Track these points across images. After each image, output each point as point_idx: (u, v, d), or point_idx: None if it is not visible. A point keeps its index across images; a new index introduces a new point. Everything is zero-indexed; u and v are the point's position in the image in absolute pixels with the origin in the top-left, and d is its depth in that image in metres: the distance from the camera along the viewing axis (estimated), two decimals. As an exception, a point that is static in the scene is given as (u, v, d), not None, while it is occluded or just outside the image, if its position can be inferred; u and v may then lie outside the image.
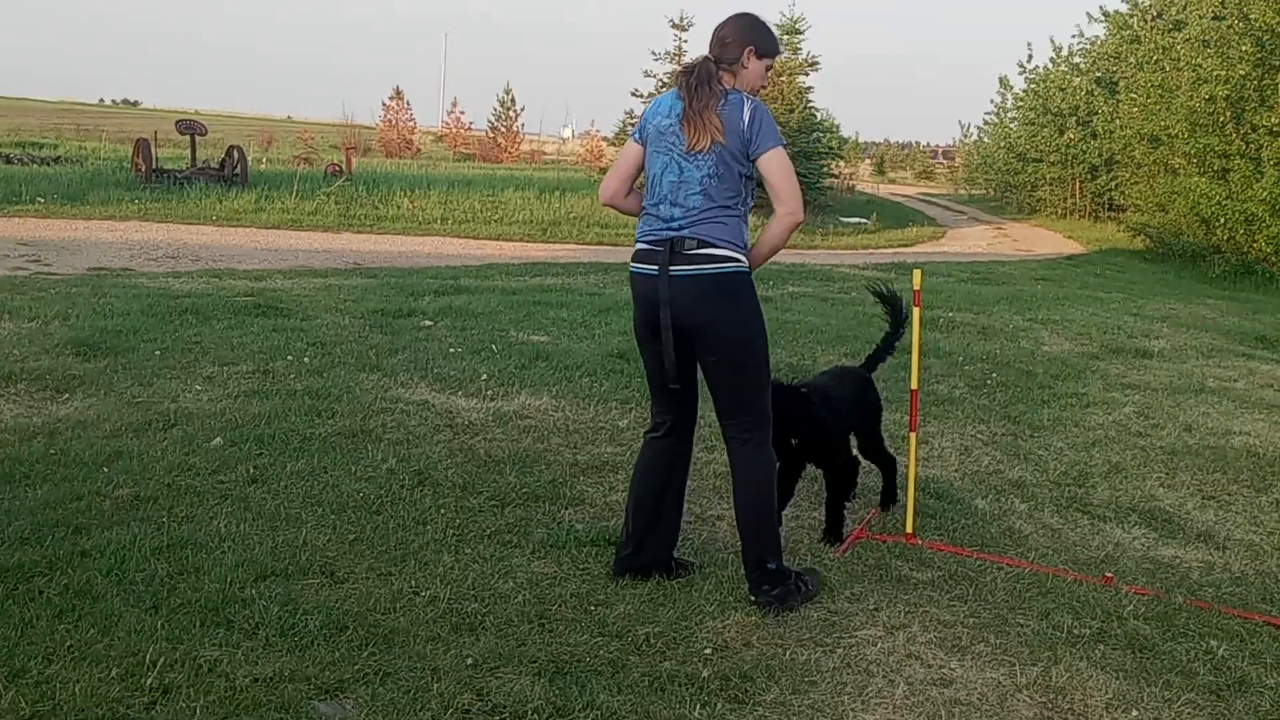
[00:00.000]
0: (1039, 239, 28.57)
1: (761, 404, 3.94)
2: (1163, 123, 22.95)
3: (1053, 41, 39.10)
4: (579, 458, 5.52)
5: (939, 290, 13.27)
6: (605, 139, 43.17)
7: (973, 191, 53.17)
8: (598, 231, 20.06)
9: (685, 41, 25.26)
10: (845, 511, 4.82)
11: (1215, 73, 20.35)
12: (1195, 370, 9.20)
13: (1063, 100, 35.40)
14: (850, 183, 45.68)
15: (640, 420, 6.15)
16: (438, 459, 5.31)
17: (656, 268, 3.84)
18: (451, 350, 7.75)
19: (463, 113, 63.88)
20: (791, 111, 27.44)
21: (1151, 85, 24.27)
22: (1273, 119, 19.04)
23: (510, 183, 28.21)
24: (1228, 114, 20.36)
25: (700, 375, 4.01)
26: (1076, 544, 4.92)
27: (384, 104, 58.94)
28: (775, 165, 3.81)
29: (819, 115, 31.76)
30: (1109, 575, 4.48)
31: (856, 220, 28.87)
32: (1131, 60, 28.98)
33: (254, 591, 3.72)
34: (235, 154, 23.13)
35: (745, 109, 3.81)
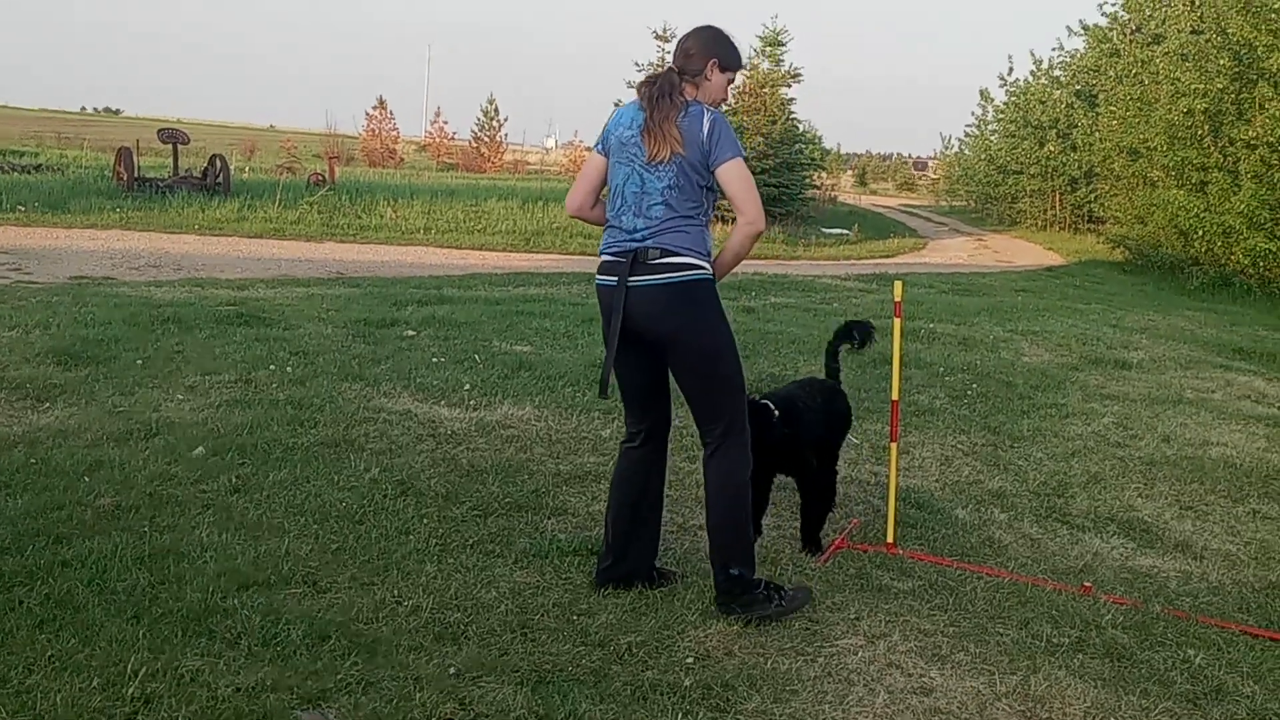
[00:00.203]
0: (1019, 250, 28.73)
1: (736, 408, 3.95)
2: (1142, 136, 23.12)
3: (1033, 55, 39.30)
4: (562, 467, 5.54)
5: (920, 301, 13.33)
6: (588, 149, 43.18)
7: (954, 203, 53.37)
8: (581, 241, 20.07)
9: (667, 52, 25.19)
10: (823, 522, 4.86)
11: (1193, 86, 20.53)
12: (1173, 381, 9.27)
13: (1043, 113, 35.62)
14: (832, 194, 45.84)
15: (622, 430, 6.15)
16: (420, 469, 5.31)
17: (616, 279, 3.87)
18: (434, 360, 7.76)
19: (446, 122, 63.88)
20: (774, 123, 27.51)
21: (1130, 98, 24.46)
22: (1250, 132, 19.21)
23: (493, 192, 28.21)
24: (1206, 127, 20.53)
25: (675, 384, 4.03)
26: (1055, 554, 4.95)
27: (367, 113, 58.96)
28: (734, 176, 3.83)
29: (801, 127, 31.87)
30: (1088, 585, 4.51)
31: (838, 231, 28.97)
32: (1111, 73, 29.18)
33: (236, 601, 3.72)
34: (218, 163, 23.07)
35: (705, 120, 3.83)
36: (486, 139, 59.60)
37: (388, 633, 3.60)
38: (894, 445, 4.88)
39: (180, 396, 6.33)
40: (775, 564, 4.48)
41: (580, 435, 6.14)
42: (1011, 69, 39.33)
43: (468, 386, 7.00)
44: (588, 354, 8.35)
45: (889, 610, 4.13)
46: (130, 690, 3.09)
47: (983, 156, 42.35)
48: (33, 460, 5.00)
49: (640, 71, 25.63)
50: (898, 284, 4.81)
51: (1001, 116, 40.27)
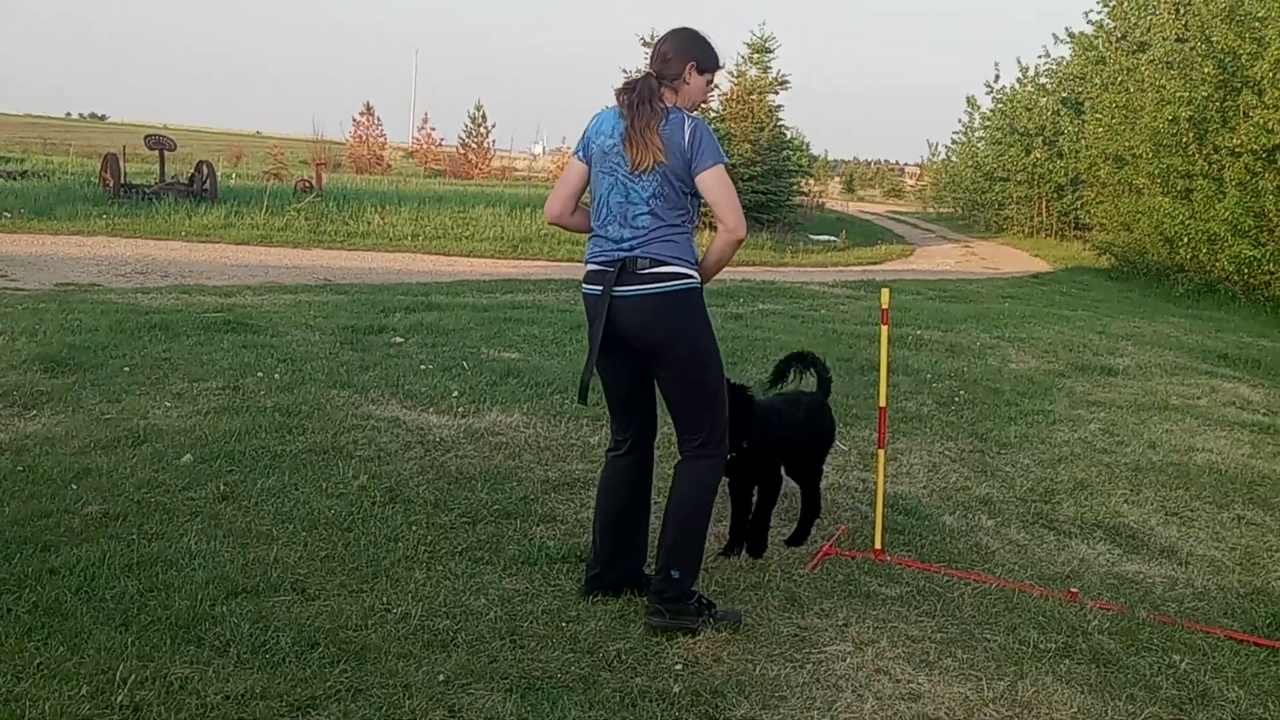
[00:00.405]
0: (1006, 257, 28.84)
1: (717, 417, 3.95)
2: (1127, 143, 23.25)
3: (1019, 62, 39.57)
4: (550, 474, 5.54)
5: (907, 308, 13.38)
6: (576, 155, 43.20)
7: (941, 210, 53.59)
8: (569, 248, 20.08)
9: (656, 59, 25.30)
10: (808, 534, 4.91)
11: (1178, 94, 20.67)
12: (1159, 388, 9.31)
13: (1029, 120, 35.82)
14: (820, 200, 45.93)
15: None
16: (409, 476, 5.31)
17: (601, 288, 3.87)
18: (422, 367, 7.76)
19: (433, 129, 63.84)
20: (761, 130, 27.59)
21: (1116, 106, 24.59)
22: (1234, 140, 19.34)
23: (481, 199, 28.20)
24: (1191, 135, 20.66)
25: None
26: (1042, 560, 4.98)
27: (354, 119, 58.84)
28: (715, 184, 3.81)
29: (788, 133, 31.94)
30: (1074, 591, 4.54)
31: (826, 238, 29.04)
32: (1097, 81, 29.37)
33: (225, 609, 3.72)
34: (205, 169, 23.03)
35: (686, 127, 3.81)
36: (474, 145, 59.60)
37: (377, 640, 3.60)
38: (882, 452, 4.89)
39: (168, 404, 6.32)
40: (763, 570, 4.49)
41: (569, 442, 6.15)
42: (998, 76, 39.87)
43: (456, 393, 7.00)
44: (576, 361, 8.35)
45: (877, 616, 4.15)
46: (119, 698, 3.09)
47: (970, 163, 42.54)
48: (20, 468, 4.99)
49: (627, 76, 25.60)
50: (885, 291, 4.83)
51: (988, 124, 40.50)
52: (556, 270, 16.80)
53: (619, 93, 3.94)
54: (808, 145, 43.62)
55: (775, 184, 28.37)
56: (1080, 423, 7.70)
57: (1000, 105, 39.02)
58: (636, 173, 3.82)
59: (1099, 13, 31.91)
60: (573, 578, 4.22)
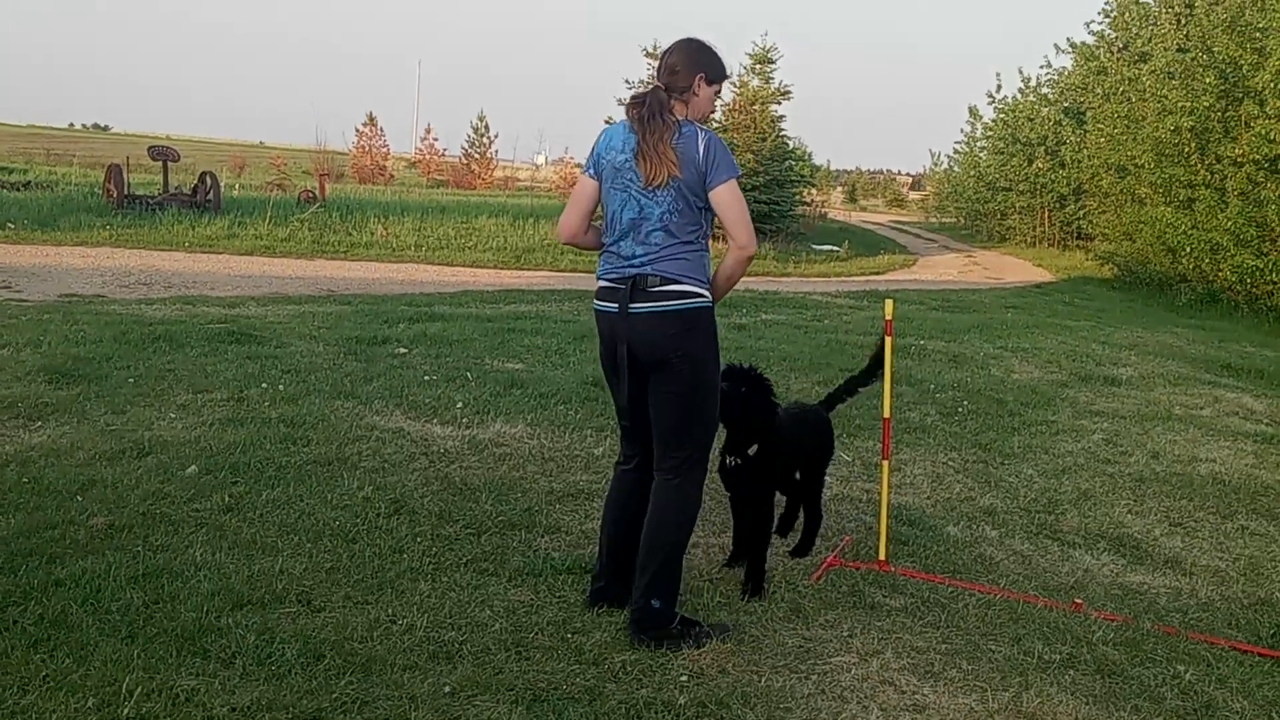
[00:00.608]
0: (1009, 267, 28.86)
1: (702, 441, 3.91)
2: (1129, 153, 23.27)
3: (1021, 72, 39.62)
4: (555, 485, 5.55)
5: (910, 318, 13.38)
6: (579, 166, 43.30)
7: (943, 219, 53.60)
8: (571, 259, 20.10)
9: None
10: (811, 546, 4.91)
11: (1180, 104, 20.68)
12: (1162, 398, 9.32)
13: (1031, 130, 35.86)
14: (822, 210, 46.00)
15: (615, 448, 6.15)
16: (414, 487, 5.32)
17: (616, 306, 3.84)
18: (426, 378, 7.77)
19: (436, 139, 63.96)
20: (764, 140, 27.63)
21: (1118, 116, 24.63)
22: (1236, 150, 19.36)
23: (484, 209, 28.25)
24: (1193, 145, 20.68)
25: None
26: (1046, 570, 4.98)
27: (357, 130, 58.90)
28: (728, 200, 3.77)
29: (791, 144, 31.99)
30: (1078, 601, 4.54)
31: (829, 248, 29.06)
32: (1098, 91, 29.41)
33: (230, 620, 3.72)
34: (208, 180, 23.08)
35: (700, 141, 3.77)
36: (477, 155, 59.66)
37: (383, 651, 3.61)
38: (886, 462, 4.90)
39: (172, 415, 6.33)
40: (768, 581, 4.47)
41: (573, 453, 6.15)
42: (1000, 86, 39.65)
43: (460, 404, 7.01)
44: (579, 371, 8.36)
45: (881, 628, 4.15)
46: (125, 710, 3.10)
47: (972, 173, 42.57)
48: (25, 479, 5.00)
49: (630, 88, 25.69)
50: (889, 303, 4.84)
51: (990, 134, 40.52)
52: (560, 281, 16.81)
53: (628, 107, 3.91)
54: (810, 155, 43.74)
55: (778, 194, 28.40)
56: (1083, 433, 7.70)
57: (1002, 115, 39.07)
58: (650, 188, 3.78)
59: (1100, 23, 32.03)
60: (578, 589, 4.23)
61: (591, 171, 3.99)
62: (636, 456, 4.07)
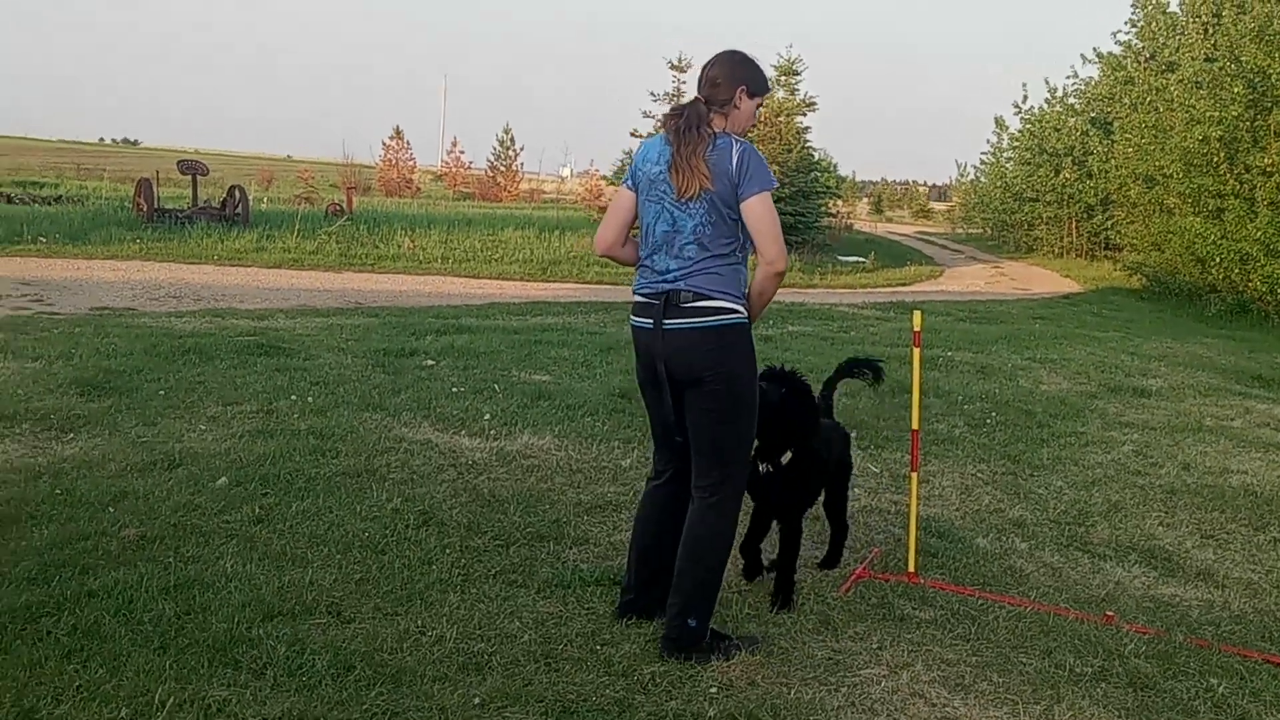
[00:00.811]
0: (1036, 278, 28.70)
1: (739, 458, 3.88)
2: (1157, 163, 23.11)
3: (1048, 83, 39.31)
4: (582, 497, 5.55)
5: (938, 329, 13.34)
6: (604, 178, 43.40)
7: (970, 230, 53.38)
8: (598, 270, 20.14)
9: (684, 83, 25.46)
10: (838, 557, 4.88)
11: (1208, 113, 20.54)
12: (1193, 409, 9.24)
13: (1058, 140, 35.69)
14: (848, 221, 45.85)
15: (643, 460, 6.19)
16: (442, 499, 5.34)
17: (651, 321, 3.82)
18: (454, 390, 7.79)
19: (462, 152, 64.14)
20: (789, 151, 27.62)
21: (1146, 126, 24.47)
22: (1265, 160, 19.21)
23: (510, 222, 28.35)
24: (1221, 154, 20.53)
25: None
26: (1077, 583, 4.94)
27: (384, 143, 59.20)
28: (758, 213, 3.71)
29: (816, 155, 31.96)
30: (1110, 614, 4.50)
31: (855, 259, 28.99)
32: (1125, 101, 29.23)
33: (261, 631, 3.74)
34: (236, 193, 23.26)
35: (734, 152, 3.72)
36: (503, 168, 59.87)
37: (412, 663, 3.62)
38: (914, 474, 4.88)
39: (202, 427, 6.38)
40: (796, 593, 4.46)
41: (600, 465, 6.16)
42: (1026, 97, 39.53)
43: (488, 416, 7.03)
44: (607, 383, 8.37)
45: (911, 640, 4.13)
46: (158, 720, 3.11)
47: (998, 184, 42.38)
48: (58, 491, 5.05)
49: (656, 101, 25.79)
50: (917, 314, 4.82)
51: (1017, 144, 40.32)
52: (586, 293, 16.84)
53: (666, 119, 3.89)
54: (835, 166, 43.65)
55: (803, 205, 28.37)
56: (1113, 444, 7.65)
57: (1029, 126, 38.88)
58: (683, 200, 3.75)
59: (1127, 33, 31.84)
60: (606, 600, 4.23)
61: (629, 183, 3.96)
62: (669, 471, 4.06)
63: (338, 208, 26.84)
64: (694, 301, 3.74)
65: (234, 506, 5.01)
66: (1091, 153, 32.43)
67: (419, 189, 56.34)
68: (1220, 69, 21.09)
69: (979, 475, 6.59)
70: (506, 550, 4.73)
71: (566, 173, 72.72)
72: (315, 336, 9.94)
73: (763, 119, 28.04)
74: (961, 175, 56.02)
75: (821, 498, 4.78)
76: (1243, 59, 20.07)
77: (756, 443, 4.10)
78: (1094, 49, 35.13)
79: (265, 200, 32.39)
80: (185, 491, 5.17)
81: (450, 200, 49.65)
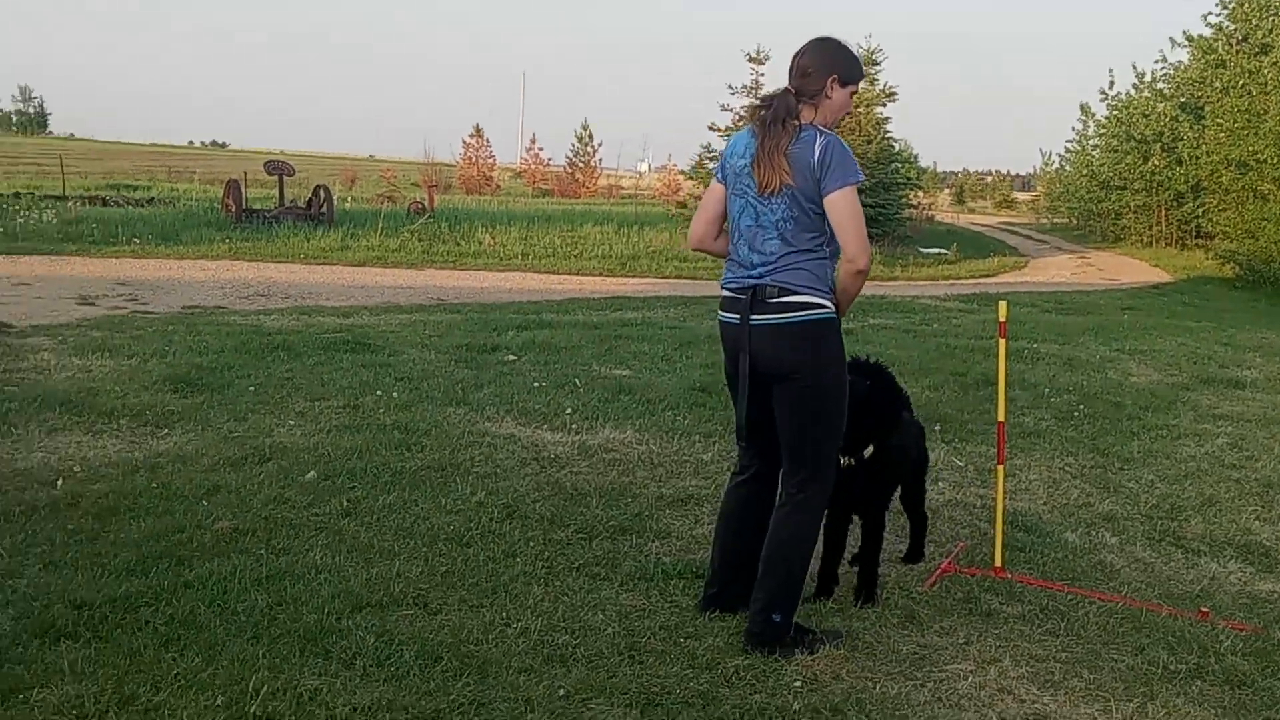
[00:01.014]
0: (1124, 267, 28.11)
1: (827, 455, 3.84)
2: (1251, 148, 22.49)
3: (1135, 68, 38.32)
4: (664, 491, 5.56)
5: (1023, 321, 13.12)
6: (682, 172, 43.38)
7: (1055, 220, 52.43)
8: (676, 265, 20.16)
9: (762, 75, 25.26)
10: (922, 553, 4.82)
11: (1305, 96, 19.94)
12: (1290, 400, 8.98)
13: (1146, 126, 34.85)
14: (929, 213, 45.33)
15: (724, 453, 6.18)
16: (525, 492, 5.38)
17: (738, 316, 3.80)
18: (536, 384, 7.85)
19: (541, 149, 64.66)
20: (869, 143, 27.34)
21: (1238, 110, 23.81)
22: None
23: (589, 217, 28.49)
24: (1319, 138, 19.92)
25: None
26: (1170, 578, 4.84)
27: (464, 141, 59.99)
28: (839, 208, 3.62)
29: (897, 146, 31.62)
30: (1205, 610, 4.39)
31: (937, 251, 28.64)
32: (1217, 85, 28.43)
33: (350, 622, 3.81)
34: (322, 193, 23.69)
35: (817, 145, 3.63)
36: (581, 164, 60.20)
37: (498, 654, 3.65)
38: (1000, 467, 4.80)
39: (291, 422, 6.50)
40: (881, 587, 4.42)
41: (681, 458, 6.16)
42: (1112, 83, 38.43)
43: (569, 410, 7.07)
44: (686, 377, 8.38)
45: (999, 635, 4.07)
46: (253, 708, 3.18)
47: (1084, 172, 41.55)
48: (154, 484, 5.18)
49: (734, 94, 25.64)
50: (1002, 304, 4.75)
51: (1103, 131, 39.49)
52: (665, 287, 16.86)
53: (752, 110, 3.85)
54: (916, 157, 43.16)
55: (884, 197, 28.09)
56: (1206, 437, 7.47)
57: (1116, 112, 38.05)
58: (765, 195, 3.70)
59: (1218, 15, 30.97)
60: (689, 594, 4.23)
61: (720, 176, 3.93)
62: (754, 467, 4.04)
63: (420, 206, 27.18)
64: (780, 297, 3.70)
65: (322, 500, 5.10)
66: (1181, 139, 31.62)
67: (499, 186, 56.90)
68: (1317, 50, 20.45)
69: (1067, 468, 6.48)
70: (589, 543, 4.75)
71: (644, 168, 72.85)
72: (399, 333, 10.08)
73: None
74: (1046, 164, 55.12)
75: (897, 491, 4.72)
76: (1341, 39, 19.44)
77: None
78: (1184, 32, 34.09)
79: (349, 199, 32.92)
80: (275, 485, 5.28)
81: (529, 197, 50.07)
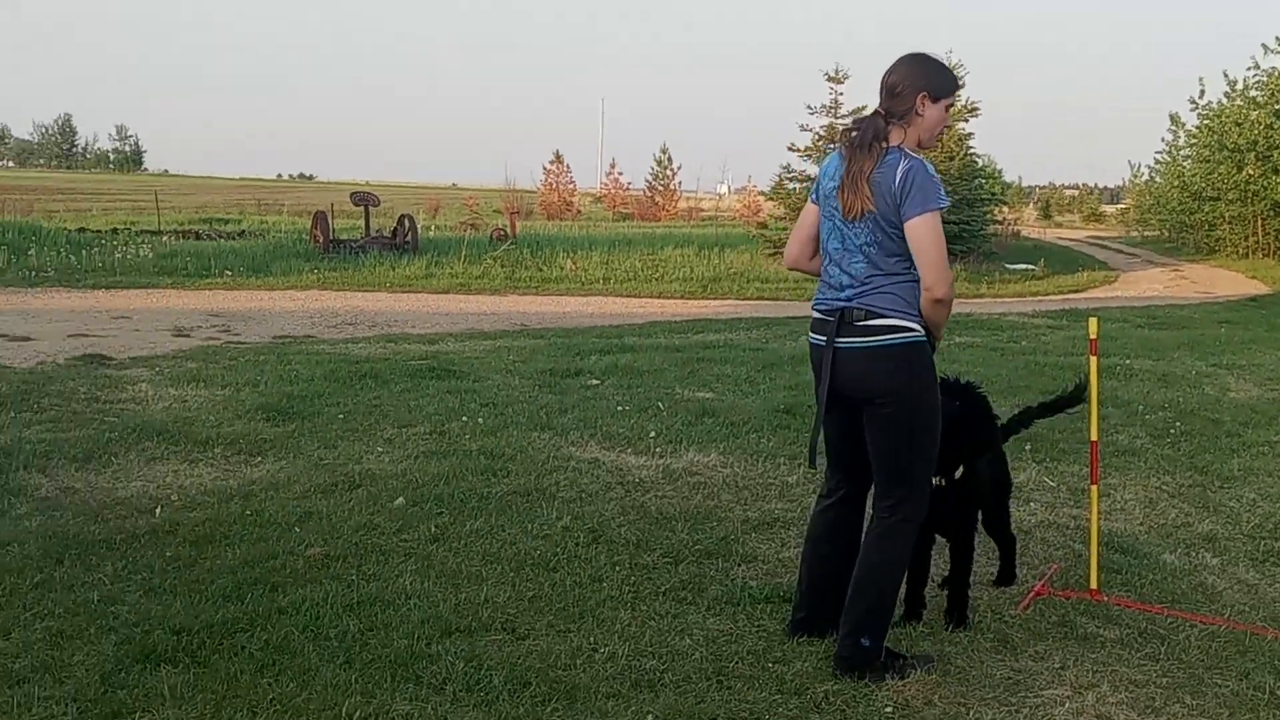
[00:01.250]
0: (1219, 280, 27.40)
1: (920, 478, 3.79)
2: (1351, 154, 21.82)
3: (1226, 75, 37.38)
4: (749, 514, 5.53)
5: (1114, 337, 12.85)
6: (762, 193, 43.30)
7: (1145, 233, 51.35)
8: (758, 287, 20.12)
9: (841, 94, 25.19)
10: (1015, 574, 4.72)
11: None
12: (1399, 415, 8.66)
13: (1240, 135, 33.97)
14: (1015, 228, 44.67)
15: (809, 476, 6.13)
16: (610, 516, 5.39)
17: (825, 338, 3.77)
18: (619, 408, 7.88)
19: (620, 173, 65.04)
20: (951, 159, 27.06)
21: (1337, 115, 23.13)
22: None
23: (669, 240, 28.57)
24: None
25: None
26: (1276, 600, 4.68)
27: (544, 168, 60.60)
28: (918, 235, 3.57)
29: (980, 161, 31.24)
30: (1313, 633, 4.24)
31: (1023, 266, 28.19)
32: (1314, 90, 27.68)
33: (440, 647, 3.84)
34: (406, 223, 24.07)
35: (899, 170, 3.59)
36: (660, 187, 60.43)
37: (586, 679, 3.66)
38: (1094, 487, 4.70)
39: (380, 449, 6.60)
40: (973, 610, 4.35)
41: (767, 482, 6.13)
42: (1203, 91, 37.52)
43: (653, 434, 7.08)
44: (770, 399, 8.34)
45: (1096, 659, 3.98)
46: (346, 733, 3.22)
47: (1175, 183, 40.64)
48: (248, 512, 5.29)
49: (813, 114, 25.56)
50: (1093, 321, 4.66)
51: (1194, 141, 38.59)
52: (746, 309, 16.82)
53: (844, 132, 3.83)
54: (1000, 172, 42.56)
55: (968, 214, 27.74)
56: (1311, 454, 7.23)
57: (1207, 121, 37.15)
58: (849, 219, 3.68)
59: (1313, 19, 30.14)
60: (776, 618, 4.20)
61: (814, 197, 3.92)
62: (841, 489, 4.01)
63: (501, 233, 27.50)
64: (866, 320, 3.67)
65: (411, 526, 5.16)
66: (1277, 146, 30.79)
67: (579, 211, 57.34)
68: None
69: (1163, 488, 6.32)
70: (675, 567, 4.74)
71: (724, 189, 72.82)
72: (484, 359, 10.19)
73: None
74: (1135, 176, 54.03)
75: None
76: None
77: None
78: (1276, 38, 33.26)
79: (433, 228, 33.42)
80: (365, 511, 5.35)
81: (610, 221, 50.35)
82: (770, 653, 3.92)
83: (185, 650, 3.74)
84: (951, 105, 3.81)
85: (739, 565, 4.82)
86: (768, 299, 18.71)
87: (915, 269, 3.68)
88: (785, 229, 25.76)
